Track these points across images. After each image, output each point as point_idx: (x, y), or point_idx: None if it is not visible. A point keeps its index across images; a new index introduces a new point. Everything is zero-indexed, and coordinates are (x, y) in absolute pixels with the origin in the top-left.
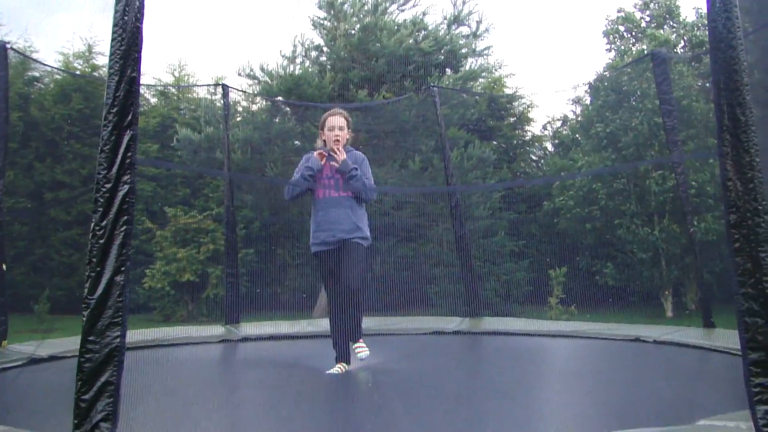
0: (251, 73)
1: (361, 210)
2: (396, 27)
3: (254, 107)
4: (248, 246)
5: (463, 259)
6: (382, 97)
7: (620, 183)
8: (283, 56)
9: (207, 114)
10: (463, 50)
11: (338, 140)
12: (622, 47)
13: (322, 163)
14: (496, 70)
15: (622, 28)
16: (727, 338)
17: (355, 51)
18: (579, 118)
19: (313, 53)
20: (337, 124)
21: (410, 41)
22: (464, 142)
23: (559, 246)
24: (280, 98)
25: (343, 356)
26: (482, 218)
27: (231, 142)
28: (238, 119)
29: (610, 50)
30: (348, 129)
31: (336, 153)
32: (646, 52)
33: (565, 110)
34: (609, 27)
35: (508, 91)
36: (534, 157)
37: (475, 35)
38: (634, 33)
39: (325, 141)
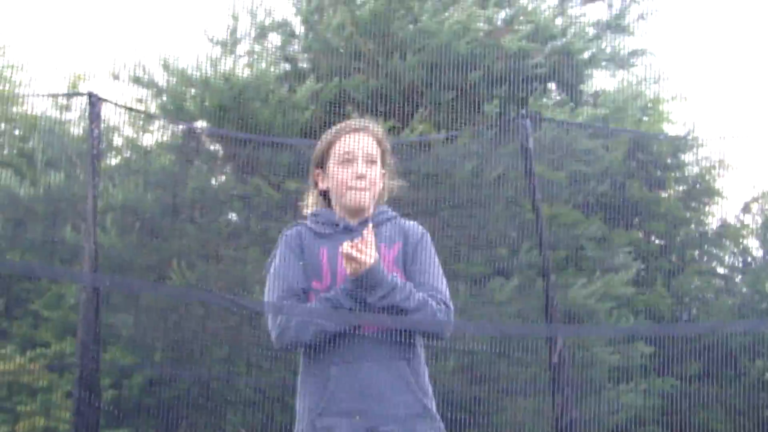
0: (143, 75)
1: (421, 363)
2: None
3: (148, 140)
4: (118, 424)
5: None
6: (414, 132)
7: None
8: (212, 40)
9: (50, 147)
10: (586, 52)
11: (362, 191)
12: None
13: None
14: (648, 85)
15: None
16: None
17: (363, 35)
18: None
19: (276, 38)
20: (361, 148)
21: (478, 23)
22: (576, 230)
23: None
24: (202, 125)
25: None
26: (610, 389)
27: (100, 208)
28: (113, 162)
29: None
30: (383, 164)
31: (358, 248)
32: None
33: None
34: None
35: (673, 130)
36: (722, 270)
37: (617, 24)
38: None
39: (324, 193)
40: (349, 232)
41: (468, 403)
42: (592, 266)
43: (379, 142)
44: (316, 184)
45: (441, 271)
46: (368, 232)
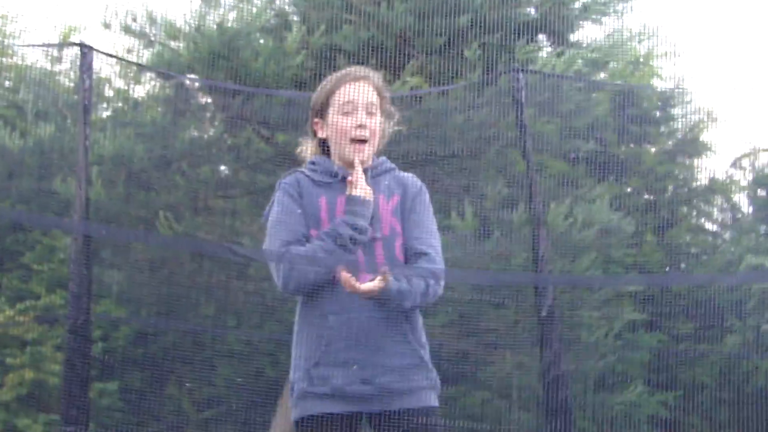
0: (134, 24)
1: (416, 314)
2: None
3: (139, 92)
4: (108, 376)
5: (560, 425)
6: (404, 86)
7: None
8: None
9: (41, 99)
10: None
11: (362, 143)
12: None
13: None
14: (638, 40)
15: None
16: None
17: None
18: None
19: None
20: (361, 98)
21: None
22: (569, 186)
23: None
24: (193, 76)
25: None
26: (595, 345)
27: (90, 160)
28: (105, 114)
29: None
30: (383, 116)
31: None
32: None
33: None
34: None
35: (661, 85)
36: (712, 226)
37: None
38: None
39: (323, 141)
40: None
41: (456, 356)
42: (591, 222)
43: (379, 91)
44: (315, 133)
45: (435, 226)
46: (356, 173)
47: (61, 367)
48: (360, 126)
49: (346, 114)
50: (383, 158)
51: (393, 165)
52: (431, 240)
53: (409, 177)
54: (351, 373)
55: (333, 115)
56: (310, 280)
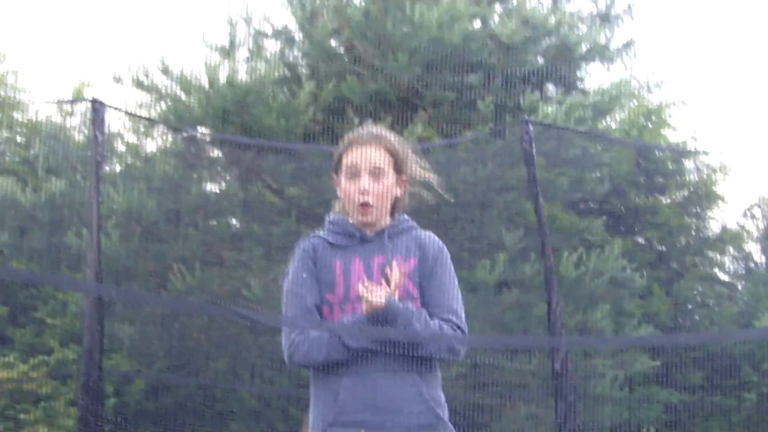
0: (145, 79)
1: (434, 373)
2: None
3: (150, 147)
4: (121, 430)
5: None
6: (412, 137)
7: None
8: (209, 46)
9: (52, 154)
10: (582, 46)
11: (366, 207)
12: None
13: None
14: (647, 90)
15: None
16: None
17: (360, 37)
18: None
19: (273, 44)
20: (365, 161)
21: (474, 24)
22: (580, 235)
23: None
24: (204, 131)
25: None
26: (608, 399)
27: (102, 214)
28: (116, 168)
29: None
30: (397, 173)
31: (367, 293)
32: None
33: None
34: None
35: (674, 137)
36: (723, 276)
37: (605, 18)
38: None
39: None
40: (365, 243)
41: (470, 410)
42: (601, 272)
43: (390, 151)
44: (337, 186)
45: (458, 291)
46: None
47: (75, 422)
48: (362, 192)
49: (350, 178)
50: (404, 217)
51: (413, 224)
52: (454, 305)
53: (429, 237)
54: None
55: (342, 179)
56: (316, 361)
